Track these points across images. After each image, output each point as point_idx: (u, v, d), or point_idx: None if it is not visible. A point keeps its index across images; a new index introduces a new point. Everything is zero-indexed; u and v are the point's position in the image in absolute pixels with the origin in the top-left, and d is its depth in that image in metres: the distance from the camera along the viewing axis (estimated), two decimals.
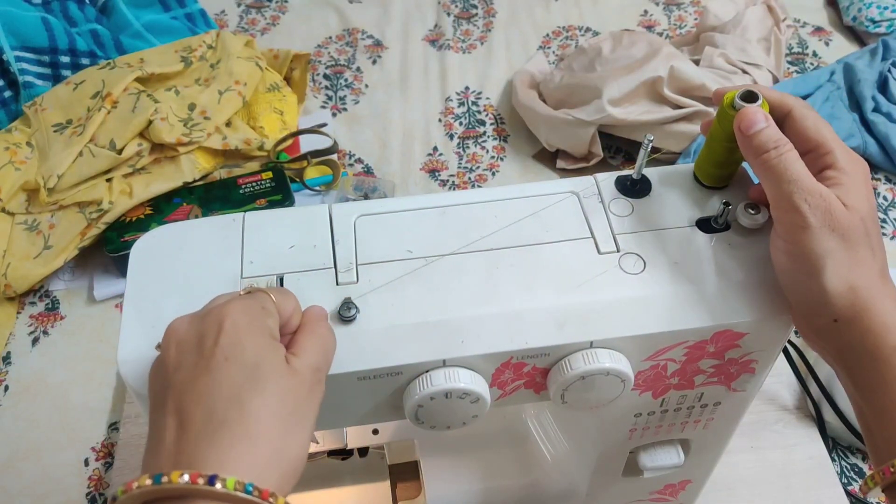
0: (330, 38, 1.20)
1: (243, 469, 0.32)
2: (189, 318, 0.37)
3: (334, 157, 0.96)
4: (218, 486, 0.30)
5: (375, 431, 0.63)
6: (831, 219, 0.38)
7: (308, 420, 0.36)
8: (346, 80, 1.12)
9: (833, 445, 0.74)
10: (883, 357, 0.38)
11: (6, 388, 0.78)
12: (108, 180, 0.86)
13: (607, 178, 0.48)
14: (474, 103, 1.09)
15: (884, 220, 0.92)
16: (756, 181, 0.44)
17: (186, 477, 0.31)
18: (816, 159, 0.41)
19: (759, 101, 0.42)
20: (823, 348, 0.42)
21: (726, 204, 0.44)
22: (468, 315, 0.42)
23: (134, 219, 0.85)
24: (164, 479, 0.31)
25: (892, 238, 0.90)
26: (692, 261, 0.44)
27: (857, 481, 0.71)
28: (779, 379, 0.77)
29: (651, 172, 0.48)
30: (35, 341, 0.82)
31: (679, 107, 0.92)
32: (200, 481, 0.31)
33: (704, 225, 0.46)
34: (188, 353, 0.35)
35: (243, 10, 1.25)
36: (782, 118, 0.42)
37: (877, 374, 0.39)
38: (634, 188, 0.47)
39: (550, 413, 0.62)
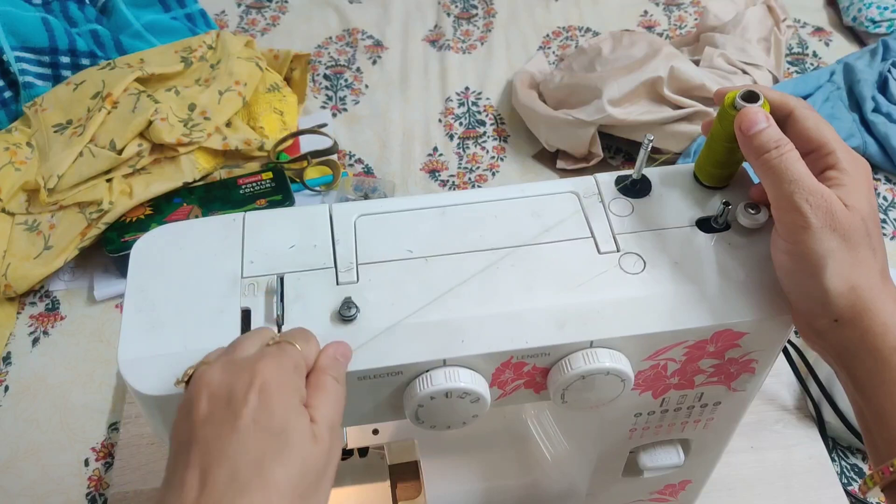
0: (330, 38, 1.20)
1: None
2: (221, 368, 0.36)
3: (334, 157, 0.96)
4: None
5: (375, 431, 0.63)
6: (832, 219, 0.38)
7: (327, 485, 0.36)
8: (346, 80, 1.12)
9: (833, 445, 0.74)
10: (883, 357, 0.38)
11: (6, 388, 0.78)
12: (109, 180, 0.86)
13: (607, 178, 0.48)
14: (474, 103, 1.09)
15: (884, 221, 0.92)
16: (757, 181, 0.44)
17: None
18: (818, 160, 0.41)
19: (760, 102, 0.42)
20: (824, 348, 0.42)
21: (726, 204, 0.44)
22: (468, 315, 0.42)
23: (134, 219, 0.85)
24: None
25: (892, 238, 0.90)
26: (692, 261, 0.44)
27: (857, 481, 0.71)
28: (779, 379, 0.77)
29: (651, 172, 0.48)
30: (35, 341, 0.82)
31: (679, 107, 0.92)
32: None
33: (704, 225, 0.46)
34: (218, 407, 0.35)
35: (243, 11, 1.25)
36: (783, 119, 0.42)
37: (877, 374, 0.39)
38: (634, 188, 0.47)
39: (550, 413, 0.62)
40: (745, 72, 0.98)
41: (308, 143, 0.99)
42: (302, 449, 0.34)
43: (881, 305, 0.39)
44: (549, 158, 1.01)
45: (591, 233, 0.45)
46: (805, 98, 0.97)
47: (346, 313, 0.41)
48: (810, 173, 0.39)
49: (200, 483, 0.33)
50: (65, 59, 0.97)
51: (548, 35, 1.20)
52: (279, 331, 0.41)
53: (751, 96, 0.42)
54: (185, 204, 0.88)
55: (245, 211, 0.47)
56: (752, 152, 0.41)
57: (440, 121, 1.06)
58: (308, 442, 0.35)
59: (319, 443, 0.35)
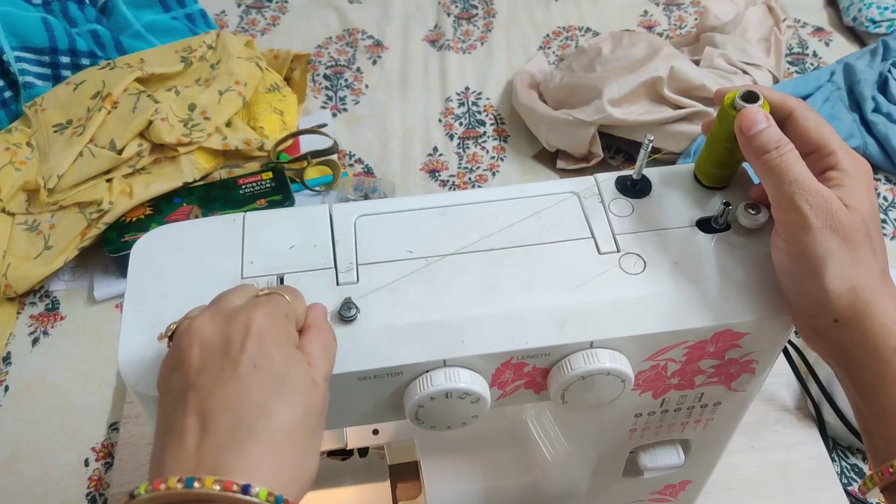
0: (330, 38, 1.20)
1: (271, 481, 0.32)
2: (211, 318, 0.36)
3: (334, 157, 0.96)
4: (251, 495, 0.30)
5: (375, 431, 0.63)
6: (832, 219, 0.38)
7: (321, 434, 0.36)
8: (346, 80, 1.12)
9: (833, 446, 0.74)
10: (883, 358, 0.38)
11: (6, 388, 0.78)
12: (109, 181, 0.86)
13: (607, 179, 0.48)
14: (474, 104, 1.09)
15: (884, 221, 0.92)
16: (757, 181, 0.44)
17: (219, 485, 0.30)
18: (818, 160, 0.41)
19: (760, 102, 0.42)
20: (823, 349, 0.42)
21: (726, 204, 0.44)
22: (468, 315, 0.42)
23: (134, 219, 0.85)
24: (196, 483, 0.30)
25: (892, 238, 0.90)
26: (692, 261, 0.44)
27: (857, 481, 0.71)
28: (779, 379, 0.77)
29: (651, 172, 0.48)
30: (35, 341, 0.82)
31: (679, 107, 0.92)
32: (234, 488, 0.30)
33: (705, 225, 0.46)
34: (214, 355, 0.35)
35: (243, 11, 1.25)
36: (783, 119, 0.42)
37: (877, 374, 0.39)
38: (635, 188, 0.47)
39: (550, 413, 0.62)
40: (745, 72, 0.98)
41: (308, 143, 0.99)
42: (304, 392, 0.35)
43: (881, 306, 0.39)
44: (549, 158, 1.01)
45: (592, 233, 0.45)
46: (805, 98, 0.97)
47: (346, 314, 0.41)
48: (810, 174, 0.39)
49: (202, 428, 0.33)
50: (65, 59, 0.97)
51: (548, 35, 1.20)
52: None
53: (750, 96, 0.42)
54: (185, 204, 0.88)
55: (245, 211, 0.47)
56: (753, 152, 0.41)
57: (440, 121, 1.06)
58: (308, 385, 0.35)
59: (317, 388, 0.36)
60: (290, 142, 0.98)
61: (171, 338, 0.38)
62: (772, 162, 0.40)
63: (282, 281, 0.43)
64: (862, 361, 0.39)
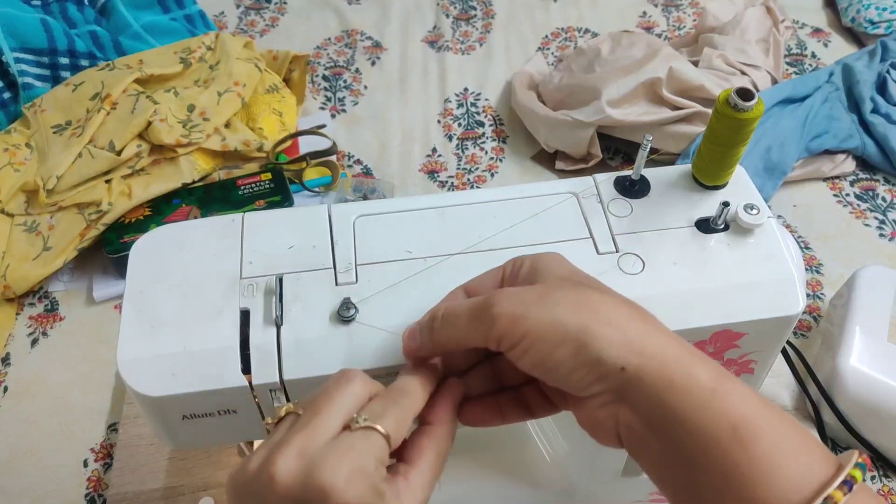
0: (329, 39, 1.20)
1: None
2: (296, 462, 0.32)
3: (333, 158, 0.96)
4: None
5: None
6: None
7: None
8: (345, 81, 1.12)
9: (832, 446, 0.74)
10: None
11: (5, 389, 0.78)
12: (108, 181, 0.86)
13: (606, 179, 0.48)
14: (473, 104, 1.09)
15: (883, 221, 0.92)
16: (757, 181, 0.44)
17: None
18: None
19: (755, 100, 0.42)
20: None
21: (725, 204, 0.44)
22: None
23: (133, 220, 0.85)
24: None
25: (891, 239, 0.91)
26: (691, 261, 0.44)
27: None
28: (778, 380, 0.77)
29: (650, 173, 0.48)
30: (34, 342, 0.82)
31: (678, 108, 0.92)
32: None
33: (703, 225, 0.46)
34: None
35: (242, 12, 1.25)
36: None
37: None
38: (633, 189, 0.47)
39: None
40: (743, 72, 0.98)
41: (307, 144, 0.99)
42: None
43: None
44: (548, 159, 1.01)
45: (590, 233, 0.45)
46: (803, 98, 0.97)
47: (345, 314, 0.41)
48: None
49: None
50: (64, 60, 0.98)
51: (547, 36, 1.20)
52: (278, 331, 0.41)
53: (746, 94, 0.42)
54: (184, 205, 0.88)
55: (244, 212, 0.47)
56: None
57: (439, 121, 1.06)
58: None
59: None
60: (289, 143, 0.98)
61: (277, 423, 0.35)
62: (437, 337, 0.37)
63: (281, 281, 0.43)
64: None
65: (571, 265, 0.39)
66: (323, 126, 1.02)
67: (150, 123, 0.86)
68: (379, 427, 0.33)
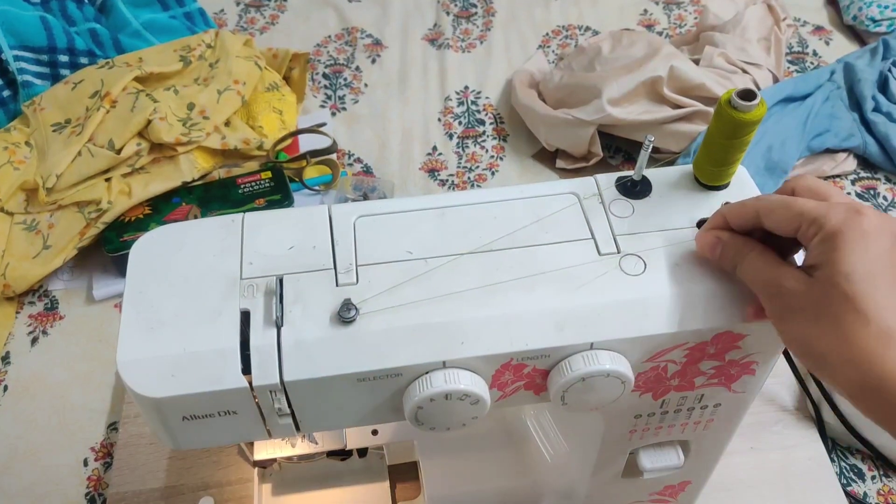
0: (329, 37, 1.20)
1: None
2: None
3: (333, 156, 0.95)
4: None
5: (375, 432, 0.63)
6: (785, 301, 0.39)
7: None
8: (345, 79, 1.12)
9: (832, 446, 0.74)
10: None
11: (5, 388, 0.78)
12: (107, 180, 0.86)
13: (608, 179, 0.48)
14: (473, 103, 1.08)
15: None
16: (757, 181, 0.44)
17: None
18: (805, 232, 0.39)
19: (757, 100, 0.42)
20: None
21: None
22: (468, 316, 0.42)
23: (133, 218, 0.85)
24: None
25: None
26: (693, 262, 0.44)
27: (856, 482, 0.71)
28: (779, 380, 0.77)
29: (651, 173, 0.48)
30: (34, 341, 0.82)
31: (679, 106, 0.92)
32: None
33: None
34: None
35: (242, 10, 1.25)
36: (754, 227, 0.41)
37: None
38: (635, 189, 0.47)
39: (550, 414, 0.62)
40: (745, 71, 0.98)
41: (307, 143, 0.99)
42: None
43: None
44: (549, 158, 1.00)
45: (592, 234, 0.45)
46: (805, 97, 0.97)
47: (345, 315, 0.41)
48: (771, 263, 0.40)
49: None
50: (63, 59, 0.97)
51: (547, 34, 1.20)
52: (279, 332, 0.41)
53: (748, 94, 0.42)
54: (183, 203, 0.87)
55: (244, 210, 0.47)
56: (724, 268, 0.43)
57: (439, 120, 1.06)
58: None
59: None
60: (289, 141, 0.98)
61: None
62: (739, 272, 0.41)
63: (281, 282, 0.43)
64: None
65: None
66: (323, 124, 1.02)
67: (149, 122, 0.86)
68: None
